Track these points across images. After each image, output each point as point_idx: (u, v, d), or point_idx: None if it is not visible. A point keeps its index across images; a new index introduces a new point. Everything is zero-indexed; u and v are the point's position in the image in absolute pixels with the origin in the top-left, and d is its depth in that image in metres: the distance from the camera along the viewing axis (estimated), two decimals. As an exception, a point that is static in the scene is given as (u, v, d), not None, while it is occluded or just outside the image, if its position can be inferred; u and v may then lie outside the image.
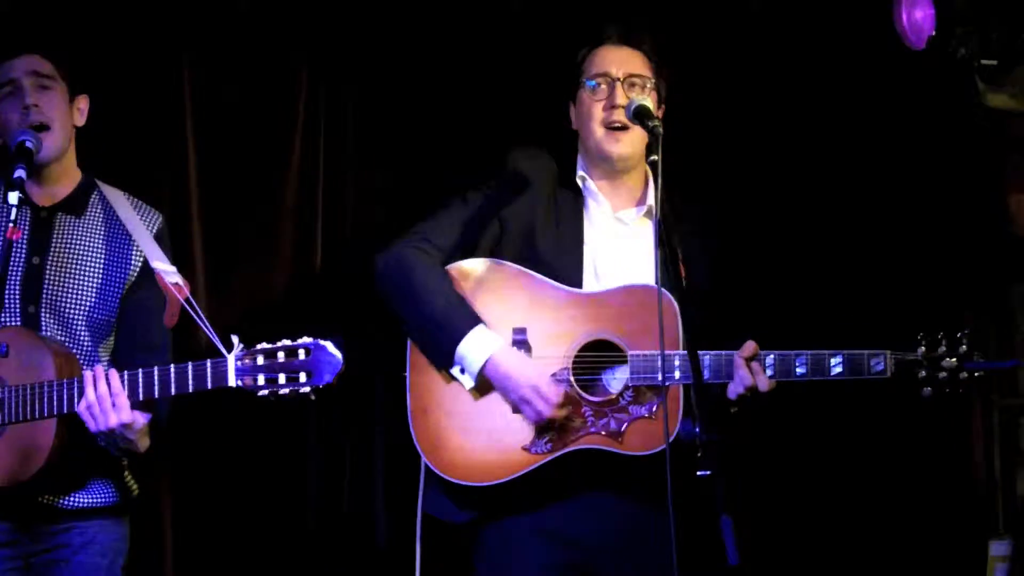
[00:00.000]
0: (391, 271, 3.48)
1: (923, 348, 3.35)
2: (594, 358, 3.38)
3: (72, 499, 3.36)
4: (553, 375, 3.38)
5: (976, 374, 3.33)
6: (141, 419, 3.22)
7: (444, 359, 3.40)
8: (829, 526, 4.35)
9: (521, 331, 3.42)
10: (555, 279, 3.44)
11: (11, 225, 3.12)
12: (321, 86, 4.40)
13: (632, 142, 3.46)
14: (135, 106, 4.22)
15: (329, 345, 3.11)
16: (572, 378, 3.38)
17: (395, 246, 3.50)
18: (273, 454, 4.27)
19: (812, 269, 4.36)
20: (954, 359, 3.33)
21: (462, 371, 3.39)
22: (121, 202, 3.51)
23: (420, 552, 3.46)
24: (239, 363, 3.11)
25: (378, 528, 4.33)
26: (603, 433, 3.33)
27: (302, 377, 3.10)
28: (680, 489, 2.93)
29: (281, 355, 3.10)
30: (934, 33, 4.00)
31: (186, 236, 4.25)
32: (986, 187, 4.48)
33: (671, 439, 3.17)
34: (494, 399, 3.40)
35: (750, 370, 3.30)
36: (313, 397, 3.13)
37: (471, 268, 3.48)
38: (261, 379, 3.10)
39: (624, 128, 3.43)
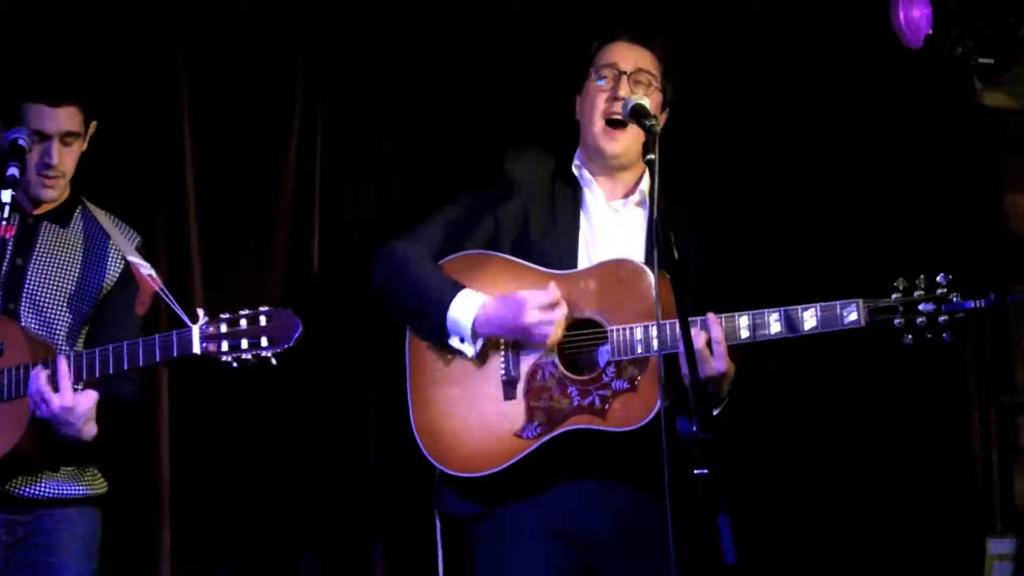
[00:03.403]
0: (380, 268, 3.57)
1: (898, 294, 3.22)
2: (578, 337, 3.40)
3: (42, 488, 3.45)
4: (538, 358, 3.41)
5: (957, 315, 3.16)
6: (84, 403, 3.29)
7: (440, 333, 3.44)
8: (827, 525, 4.34)
9: None
10: (549, 267, 3.46)
11: (3, 223, 3.25)
12: (318, 86, 4.40)
13: (628, 140, 3.49)
14: (132, 106, 4.22)
15: (288, 310, 3.23)
16: (557, 359, 3.40)
17: (384, 245, 3.58)
18: (267, 453, 4.27)
19: (809, 272, 4.36)
20: (931, 303, 3.19)
21: (461, 340, 3.41)
22: (104, 218, 3.65)
23: (442, 551, 3.52)
24: (203, 331, 3.21)
25: (373, 531, 4.33)
26: (588, 412, 3.34)
27: (263, 342, 3.21)
28: (678, 478, 2.91)
29: (243, 322, 3.21)
30: (931, 31, 4.00)
31: (182, 236, 4.25)
32: (982, 187, 4.47)
33: (652, 414, 3.21)
34: (487, 385, 3.43)
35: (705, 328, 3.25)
36: (275, 362, 3.23)
37: (454, 262, 3.52)
38: (224, 345, 3.21)
39: (622, 125, 3.44)
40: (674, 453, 2.91)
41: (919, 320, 3.19)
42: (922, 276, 3.21)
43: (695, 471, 2.78)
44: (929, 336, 3.19)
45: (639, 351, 3.31)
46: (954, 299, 3.18)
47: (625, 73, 3.49)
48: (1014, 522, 4.37)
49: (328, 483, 4.29)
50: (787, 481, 4.34)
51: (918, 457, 4.39)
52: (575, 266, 3.48)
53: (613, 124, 3.49)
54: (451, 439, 3.44)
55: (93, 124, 3.61)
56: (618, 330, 3.34)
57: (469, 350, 3.43)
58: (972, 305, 3.16)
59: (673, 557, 2.92)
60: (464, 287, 3.43)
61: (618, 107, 3.44)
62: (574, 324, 3.41)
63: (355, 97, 4.42)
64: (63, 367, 3.27)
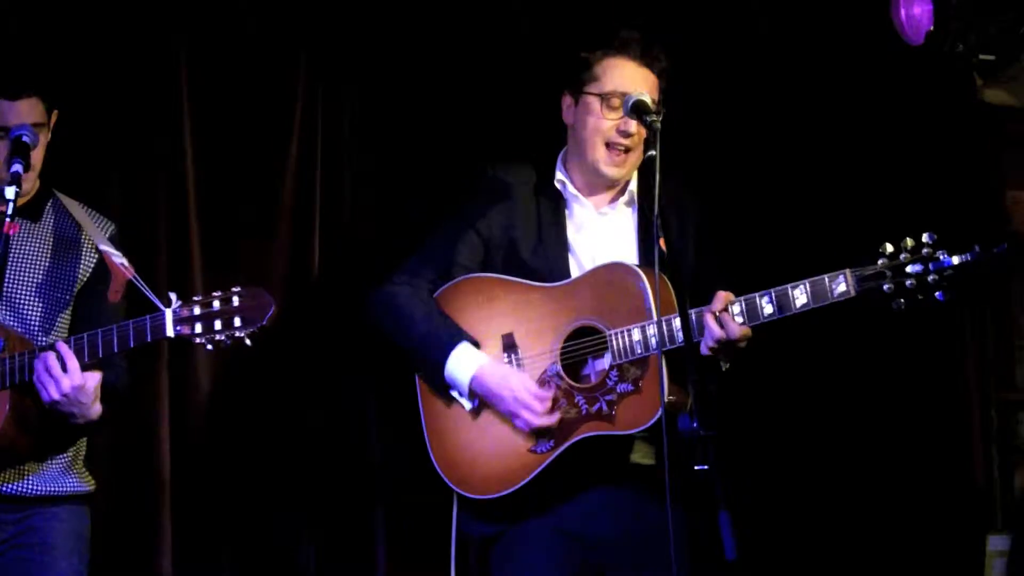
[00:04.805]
0: (377, 311, 3.55)
1: (885, 259, 3.10)
2: (580, 346, 3.40)
3: (29, 486, 3.43)
4: (543, 373, 3.40)
5: (946, 273, 3.03)
6: (92, 380, 3.28)
7: (440, 384, 3.45)
8: (830, 521, 4.35)
9: (508, 336, 3.45)
10: (543, 282, 3.46)
11: (8, 220, 3.22)
12: (319, 86, 4.39)
13: (630, 164, 3.48)
14: (132, 105, 4.22)
15: (261, 289, 3.18)
16: (561, 370, 3.39)
17: (380, 286, 3.56)
18: (269, 452, 4.28)
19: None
20: (919, 263, 3.06)
21: (460, 394, 3.44)
22: (76, 209, 3.60)
23: (455, 571, 3.51)
24: (176, 315, 3.18)
25: (377, 536, 4.34)
26: (596, 419, 3.34)
27: (236, 322, 3.15)
28: (686, 482, 2.90)
29: (216, 303, 3.17)
30: (932, 28, 4.00)
31: (184, 236, 4.25)
32: (983, 183, 4.47)
33: (658, 413, 3.19)
34: (495, 410, 3.43)
35: (718, 322, 3.21)
36: (249, 342, 3.18)
37: (452, 289, 3.52)
38: (198, 327, 3.17)
39: (628, 151, 3.44)
40: (681, 453, 2.91)
41: (908, 282, 3.08)
42: (908, 238, 3.12)
43: (695, 467, 2.77)
44: (920, 297, 3.08)
45: (639, 351, 3.31)
46: (941, 257, 3.07)
47: None
48: (1014, 519, 4.38)
49: (330, 482, 4.30)
50: (790, 478, 4.35)
51: (919, 454, 4.39)
52: (568, 277, 3.47)
53: (619, 150, 3.46)
54: (469, 464, 3.43)
55: (55, 113, 3.54)
56: (617, 334, 3.34)
57: (467, 405, 3.44)
58: (959, 260, 3.05)
59: (674, 557, 2.93)
60: (461, 340, 3.42)
61: (623, 140, 3.42)
62: (574, 333, 3.40)
63: (356, 96, 4.42)
64: (65, 348, 3.25)
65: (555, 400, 3.36)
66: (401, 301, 3.50)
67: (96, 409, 3.33)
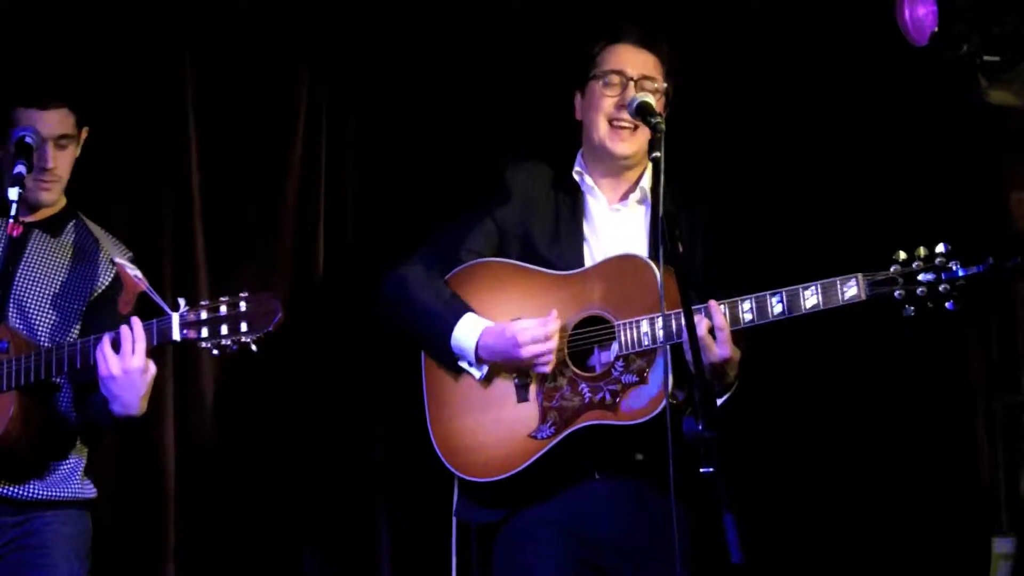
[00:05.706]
0: (387, 292, 3.58)
1: (897, 265, 3.19)
2: (588, 334, 3.41)
3: (31, 490, 3.44)
4: None
5: (958, 283, 3.12)
6: (153, 369, 3.29)
7: (448, 357, 3.47)
8: (834, 524, 4.34)
9: (517, 321, 3.44)
10: None
11: (10, 222, 3.26)
12: (322, 86, 4.40)
13: (636, 142, 3.51)
14: (137, 107, 4.23)
15: (268, 294, 3.21)
16: (568, 358, 3.41)
17: (393, 268, 3.59)
18: (272, 454, 4.28)
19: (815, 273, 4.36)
20: (931, 272, 3.15)
21: (469, 363, 3.44)
22: (98, 231, 3.65)
23: (456, 559, 3.56)
24: (183, 319, 3.21)
25: (380, 532, 4.33)
26: (599, 408, 3.34)
27: (243, 327, 3.18)
28: (690, 479, 2.90)
29: (223, 308, 3.21)
30: (936, 29, 3.99)
31: (188, 237, 4.26)
32: (987, 185, 4.47)
33: (661, 406, 3.20)
34: (501, 388, 3.45)
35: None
36: (255, 348, 3.20)
37: (463, 273, 3.55)
38: (204, 332, 3.21)
39: (630, 128, 3.44)
40: (683, 450, 2.91)
41: (919, 291, 3.15)
42: (921, 247, 3.18)
43: (700, 470, 2.77)
44: (930, 306, 3.15)
45: (646, 343, 3.33)
46: (953, 267, 3.13)
47: (632, 79, 3.50)
48: (1020, 521, 4.37)
49: (334, 484, 4.30)
50: (793, 480, 4.34)
51: (924, 456, 4.38)
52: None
53: (620, 127, 3.49)
54: (468, 447, 3.47)
55: (85, 130, 3.59)
56: (625, 324, 3.35)
57: (476, 373, 3.47)
58: (971, 272, 3.12)
59: (678, 556, 2.93)
60: (467, 312, 3.45)
61: (625, 115, 3.45)
62: (582, 322, 3.43)
63: (359, 97, 4.42)
64: (139, 327, 3.25)
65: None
66: (412, 281, 3.53)
67: (144, 404, 3.32)
